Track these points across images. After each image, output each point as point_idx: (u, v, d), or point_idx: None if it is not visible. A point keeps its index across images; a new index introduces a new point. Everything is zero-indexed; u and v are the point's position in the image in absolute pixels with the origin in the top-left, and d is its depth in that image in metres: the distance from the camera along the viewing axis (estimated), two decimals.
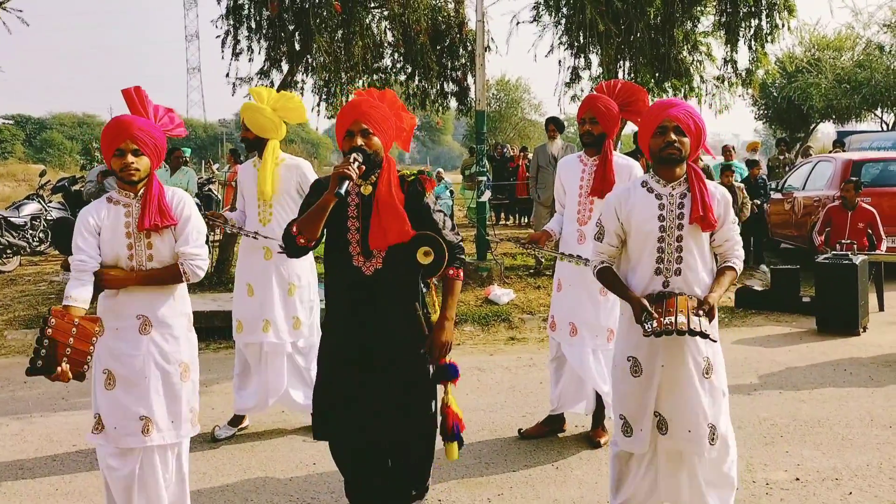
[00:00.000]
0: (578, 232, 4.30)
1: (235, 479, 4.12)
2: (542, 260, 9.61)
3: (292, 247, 2.90)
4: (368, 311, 2.93)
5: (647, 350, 2.99)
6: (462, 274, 3.06)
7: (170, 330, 3.18)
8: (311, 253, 4.65)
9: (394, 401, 2.95)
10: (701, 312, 2.85)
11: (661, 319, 2.80)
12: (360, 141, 2.84)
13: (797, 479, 3.95)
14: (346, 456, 3.15)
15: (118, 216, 3.14)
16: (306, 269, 4.68)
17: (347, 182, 2.73)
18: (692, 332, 2.78)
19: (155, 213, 3.11)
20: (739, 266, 3.09)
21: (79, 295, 3.00)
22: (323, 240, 3.00)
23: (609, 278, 3.08)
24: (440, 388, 3.11)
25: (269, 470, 4.22)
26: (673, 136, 2.93)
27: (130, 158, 3.06)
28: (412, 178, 3.00)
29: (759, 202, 10.39)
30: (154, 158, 3.14)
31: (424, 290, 3.11)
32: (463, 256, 3.06)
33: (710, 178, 10.27)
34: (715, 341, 2.94)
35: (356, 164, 2.77)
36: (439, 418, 3.11)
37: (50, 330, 2.81)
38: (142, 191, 3.15)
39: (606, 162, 4.16)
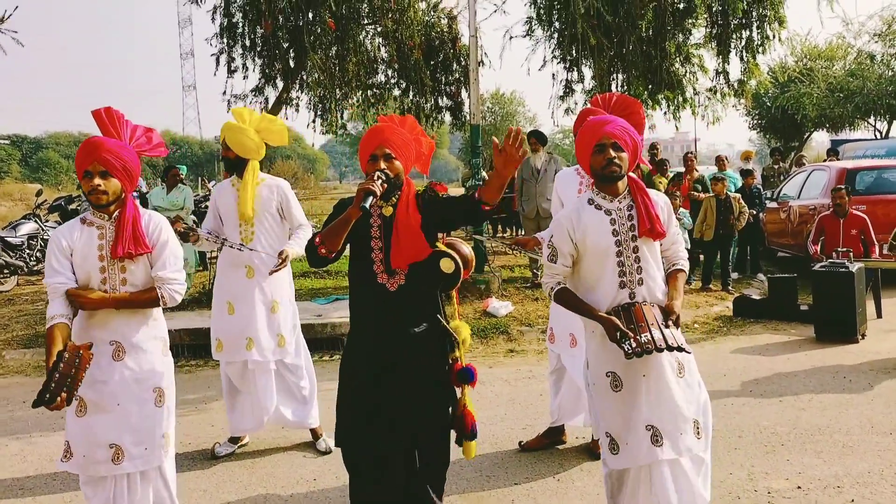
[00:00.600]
0: None
1: (236, 496, 4.10)
2: (539, 272, 9.62)
3: (314, 257, 2.98)
4: (393, 324, 3.06)
5: (626, 363, 2.97)
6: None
7: (144, 355, 3.14)
8: (290, 272, 4.73)
9: (415, 404, 3.06)
10: (670, 324, 2.92)
11: (638, 338, 2.83)
12: (382, 164, 3.00)
13: (799, 487, 3.94)
14: (366, 468, 3.12)
15: (91, 238, 3.10)
16: (287, 287, 4.70)
17: (372, 197, 2.86)
18: (670, 348, 2.82)
19: (129, 241, 3.07)
20: (686, 266, 3.20)
21: (66, 311, 3.00)
22: (344, 253, 3.09)
23: (569, 299, 3.08)
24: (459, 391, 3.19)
25: (270, 486, 4.20)
26: (612, 153, 3.00)
27: (98, 181, 3.02)
28: (422, 190, 3.17)
29: (754, 212, 10.42)
30: (125, 181, 3.10)
31: (445, 300, 3.23)
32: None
33: (705, 188, 10.32)
34: (689, 353, 2.97)
35: (380, 181, 2.92)
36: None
37: (63, 365, 2.82)
38: (116, 213, 3.12)
39: None
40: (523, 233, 10.48)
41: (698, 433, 3.02)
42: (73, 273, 3.08)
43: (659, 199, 3.12)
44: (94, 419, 3.07)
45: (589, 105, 4.45)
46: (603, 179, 3.06)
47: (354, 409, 3.10)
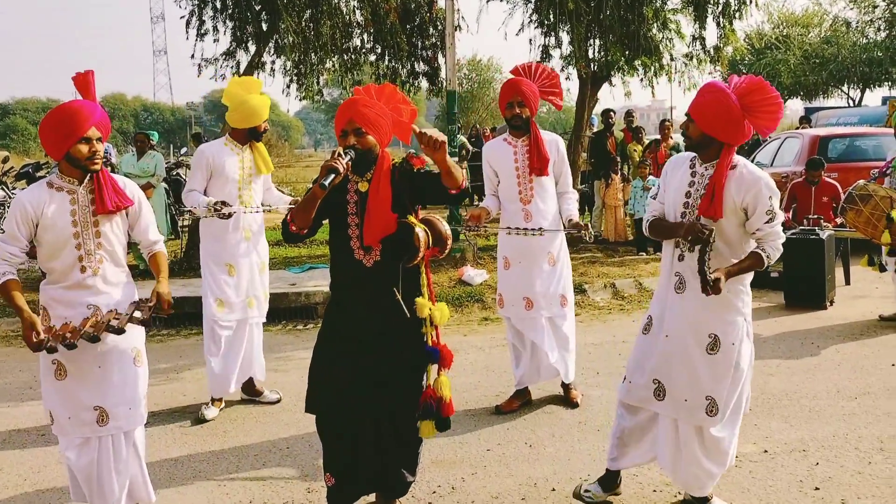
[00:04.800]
0: (524, 211, 4.52)
1: (207, 464, 4.09)
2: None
3: (287, 233, 3.02)
4: (369, 299, 3.07)
5: (658, 311, 3.25)
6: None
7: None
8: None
9: (390, 379, 3.07)
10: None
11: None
12: (353, 140, 2.97)
13: (765, 451, 4.02)
14: (341, 435, 3.13)
15: (62, 203, 3.06)
16: (267, 250, 5.01)
17: (333, 175, 2.82)
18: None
19: (113, 195, 3.10)
20: (772, 254, 3.13)
21: (12, 269, 3.05)
22: (320, 229, 3.12)
23: (660, 226, 3.26)
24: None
25: (242, 455, 4.19)
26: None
27: (97, 146, 3.04)
28: (399, 162, 3.14)
29: None
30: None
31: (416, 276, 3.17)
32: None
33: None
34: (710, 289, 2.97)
35: (347, 158, 2.88)
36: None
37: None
38: (88, 176, 3.10)
39: (539, 141, 4.46)
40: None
41: (712, 411, 3.12)
42: (28, 244, 3.07)
43: (749, 187, 3.04)
44: (75, 383, 3.08)
45: (513, 76, 4.56)
46: (701, 147, 3.14)
47: (329, 380, 3.09)
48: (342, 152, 2.90)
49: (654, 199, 3.36)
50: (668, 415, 3.19)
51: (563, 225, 4.55)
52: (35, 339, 2.90)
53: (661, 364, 3.18)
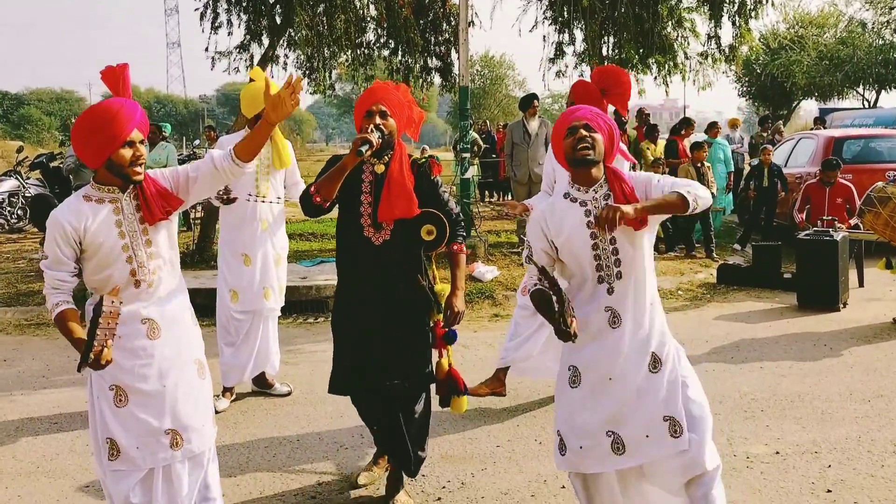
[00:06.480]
0: None
1: (219, 455, 4.07)
2: (525, 238, 9.58)
3: (309, 205, 3.08)
4: (377, 277, 3.20)
5: (588, 359, 2.76)
6: (465, 248, 3.35)
7: (179, 328, 2.83)
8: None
9: (398, 358, 3.24)
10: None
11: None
12: (378, 120, 3.10)
13: (777, 452, 4.00)
14: (369, 412, 3.45)
15: (106, 215, 2.68)
16: (286, 244, 5.02)
17: (368, 146, 2.96)
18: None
19: (160, 200, 2.73)
20: (688, 194, 2.64)
21: (70, 298, 2.68)
22: (336, 205, 3.21)
23: (540, 301, 2.74)
24: (437, 353, 3.38)
25: (253, 447, 4.21)
26: (583, 132, 2.73)
27: (141, 149, 2.67)
28: (423, 161, 3.30)
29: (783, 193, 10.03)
30: None
31: (427, 263, 3.36)
32: (464, 233, 3.36)
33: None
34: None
35: (377, 133, 3.03)
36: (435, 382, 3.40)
37: (101, 319, 2.43)
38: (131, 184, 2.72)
39: None
40: (511, 198, 10.44)
41: (675, 431, 2.70)
42: (76, 266, 2.70)
43: (635, 178, 2.79)
44: (139, 407, 2.72)
45: (588, 78, 4.57)
46: (576, 164, 2.75)
47: (346, 360, 3.30)
48: (372, 128, 3.03)
49: (529, 263, 2.80)
50: (632, 465, 2.73)
51: None
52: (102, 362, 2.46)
53: (612, 413, 2.71)
